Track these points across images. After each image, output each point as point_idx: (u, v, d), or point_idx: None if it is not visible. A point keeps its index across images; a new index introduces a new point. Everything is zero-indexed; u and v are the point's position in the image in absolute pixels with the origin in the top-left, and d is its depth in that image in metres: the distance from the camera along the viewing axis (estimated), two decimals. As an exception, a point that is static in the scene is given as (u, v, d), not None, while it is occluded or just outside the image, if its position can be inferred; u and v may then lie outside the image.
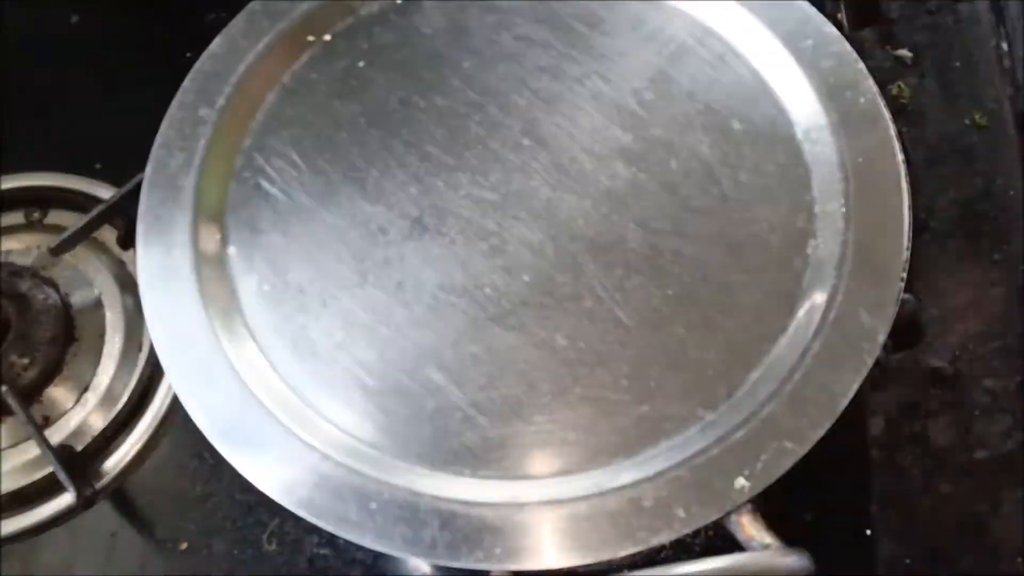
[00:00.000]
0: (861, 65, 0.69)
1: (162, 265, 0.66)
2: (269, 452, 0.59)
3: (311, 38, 0.75)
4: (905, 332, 0.64)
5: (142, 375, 0.77)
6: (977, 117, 0.81)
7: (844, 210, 0.64)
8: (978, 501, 0.69)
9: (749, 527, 0.57)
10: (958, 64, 0.84)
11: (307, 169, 0.70)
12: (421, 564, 0.66)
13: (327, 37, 0.75)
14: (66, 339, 0.79)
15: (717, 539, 0.67)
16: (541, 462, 0.59)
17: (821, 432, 0.57)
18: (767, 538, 0.56)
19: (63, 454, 0.73)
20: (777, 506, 0.58)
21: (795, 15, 0.72)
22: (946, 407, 0.72)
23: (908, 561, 0.68)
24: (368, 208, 0.68)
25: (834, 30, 0.71)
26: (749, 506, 0.57)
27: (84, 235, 0.78)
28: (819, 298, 0.61)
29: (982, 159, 0.80)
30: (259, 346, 0.63)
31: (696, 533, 0.67)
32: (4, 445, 0.75)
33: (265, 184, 0.70)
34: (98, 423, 0.76)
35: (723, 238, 0.65)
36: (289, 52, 0.75)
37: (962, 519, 0.69)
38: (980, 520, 0.69)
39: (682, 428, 0.60)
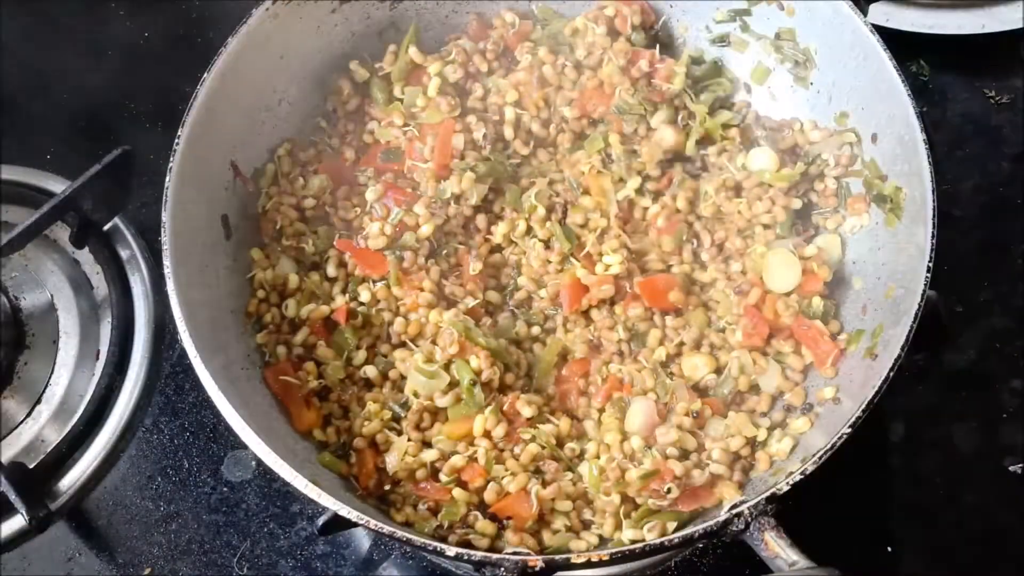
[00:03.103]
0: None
1: None
2: None
3: None
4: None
5: (100, 384, 0.73)
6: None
7: None
8: (1006, 513, 0.68)
9: (773, 544, 0.55)
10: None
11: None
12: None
13: None
14: (16, 346, 0.75)
15: (727, 558, 0.67)
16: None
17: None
18: (792, 555, 0.54)
19: (14, 472, 0.69)
20: (797, 522, 0.56)
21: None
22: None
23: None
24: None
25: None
26: (772, 522, 0.55)
27: (34, 233, 0.74)
28: None
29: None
30: None
31: (703, 553, 0.68)
32: (-54, 463, 0.70)
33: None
34: (52, 437, 0.72)
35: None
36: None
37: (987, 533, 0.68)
38: (1006, 533, 0.67)
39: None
